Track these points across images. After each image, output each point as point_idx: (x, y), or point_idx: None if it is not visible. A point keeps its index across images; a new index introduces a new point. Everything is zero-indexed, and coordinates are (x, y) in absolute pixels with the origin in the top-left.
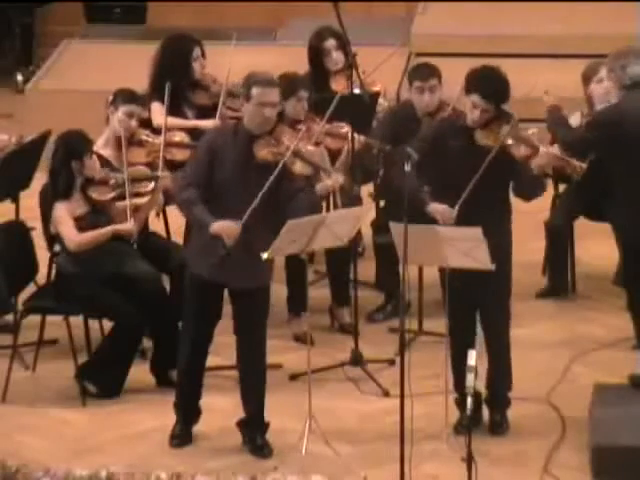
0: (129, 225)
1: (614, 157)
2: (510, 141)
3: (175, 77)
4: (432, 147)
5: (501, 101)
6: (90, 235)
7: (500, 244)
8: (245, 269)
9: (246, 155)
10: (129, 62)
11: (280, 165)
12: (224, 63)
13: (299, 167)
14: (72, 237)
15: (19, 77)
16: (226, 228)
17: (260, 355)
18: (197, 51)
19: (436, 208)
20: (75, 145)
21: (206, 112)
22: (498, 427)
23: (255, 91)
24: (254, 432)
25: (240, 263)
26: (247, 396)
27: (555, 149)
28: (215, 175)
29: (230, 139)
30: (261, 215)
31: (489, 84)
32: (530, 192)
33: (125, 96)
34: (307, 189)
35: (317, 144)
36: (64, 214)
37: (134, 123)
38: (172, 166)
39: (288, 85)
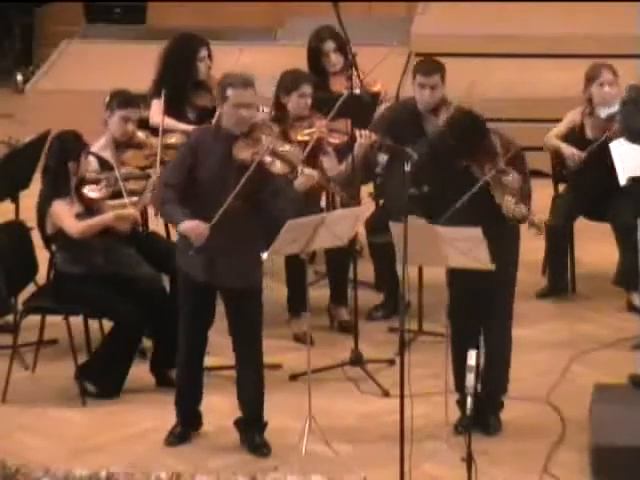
0: (130, 210)
1: None
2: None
3: (179, 76)
4: (427, 161)
5: (475, 151)
6: (92, 220)
7: (503, 245)
8: (232, 269)
9: (226, 155)
10: (129, 62)
11: (253, 165)
12: (223, 63)
13: (278, 166)
14: (74, 225)
15: (19, 77)
16: (194, 228)
17: (256, 354)
18: (203, 52)
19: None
20: (72, 146)
21: (207, 114)
22: (489, 429)
23: (230, 92)
24: (252, 431)
25: (226, 263)
26: (244, 396)
27: None
28: (198, 175)
29: (211, 139)
30: (245, 215)
31: (464, 139)
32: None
33: (121, 100)
34: (288, 186)
35: (319, 140)
36: (64, 209)
37: (130, 127)
38: None
39: (290, 80)
